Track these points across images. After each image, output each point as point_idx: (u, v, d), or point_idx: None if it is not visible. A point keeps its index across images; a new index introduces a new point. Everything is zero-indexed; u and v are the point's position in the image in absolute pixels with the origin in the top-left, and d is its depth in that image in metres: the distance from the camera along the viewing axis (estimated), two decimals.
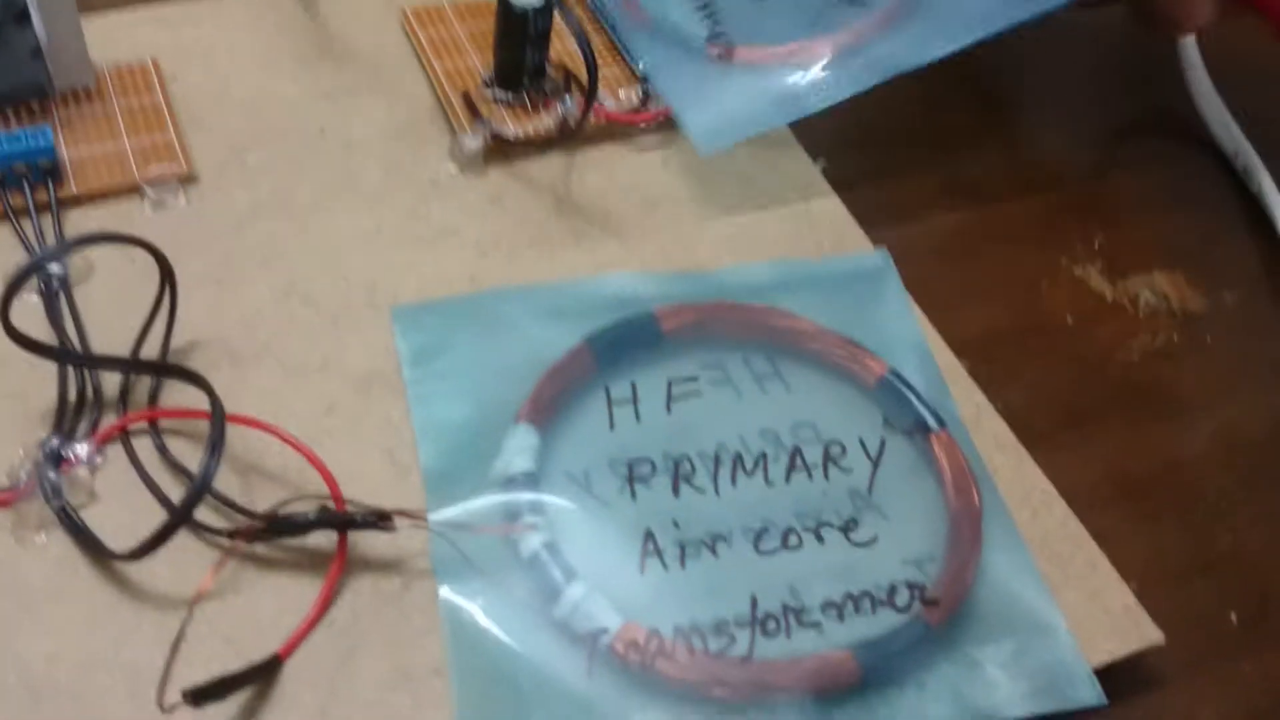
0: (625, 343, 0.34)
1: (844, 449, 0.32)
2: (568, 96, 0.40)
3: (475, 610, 0.28)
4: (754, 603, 0.29)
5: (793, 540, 0.30)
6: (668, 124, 0.41)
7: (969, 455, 0.32)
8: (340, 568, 0.29)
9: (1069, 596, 0.31)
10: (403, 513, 0.29)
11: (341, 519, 0.29)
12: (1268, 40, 0.43)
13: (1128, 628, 0.30)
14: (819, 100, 0.39)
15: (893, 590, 0.30)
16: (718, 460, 0.32)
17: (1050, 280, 0.40)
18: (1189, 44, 0.48)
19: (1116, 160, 0.46)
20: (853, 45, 0.40)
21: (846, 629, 0.29)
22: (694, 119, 0.39)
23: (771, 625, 0.29)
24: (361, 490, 0.30)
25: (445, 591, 0.29)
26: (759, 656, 0.28)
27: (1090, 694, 0.29)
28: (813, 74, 0.39)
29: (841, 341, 0.34)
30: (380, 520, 0.29)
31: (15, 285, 0.29)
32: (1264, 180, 0.44)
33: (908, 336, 0.35)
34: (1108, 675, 0.30)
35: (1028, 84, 0.48)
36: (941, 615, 0.29)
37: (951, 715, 0.28)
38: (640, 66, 0.40)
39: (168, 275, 0.31)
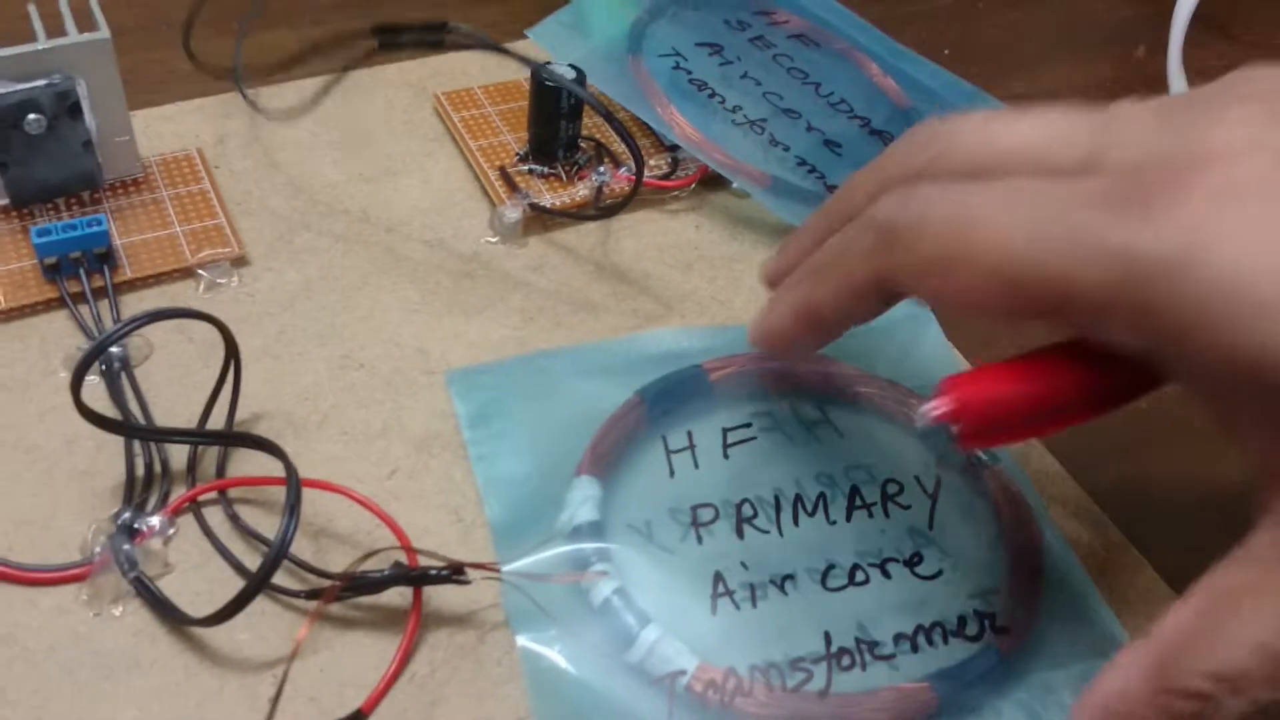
0: (676, 394, 0.34)
1: (901, 487, 0.33)
2: (601, 167, 0.41)
3: (554, 657, 0.29)
4: (827, 638, 0.29)
5: (860, 576, 0.31)
6: (698, 189, 0.42)
7: (1023, 488, 0.33)
8: (416, 622, 0.29)
9: (1131, 619, 0.31)
10: (476, 565, 0.30)
11: (417, 574, 0.30)
12: None
13: None
14: None
15: (963, 621, 0.30)
16: (778, 503, 0.32)
17: None
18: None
19: None
20: None
21: (920, 661, 0.29)
22: None
23: (846, 660, 0.29)
24: (429, 547, 0.31)
25: (523, 640, 0.29)
26: (836, 691, 0.28)
27: None
28: None
29: (887, 385, 0.35)
30: (454, 573, 0.29)
31: (88, 361, 0.29)
32: None
33: None
34: None
35: None
36: (1013, 643, 0.30)
37: None
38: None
39: (232, 348, 0.32)
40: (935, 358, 0.37)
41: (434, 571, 0.29)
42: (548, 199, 0.41)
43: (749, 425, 0.34)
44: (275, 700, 0.26)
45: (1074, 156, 0.25)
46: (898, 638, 0.30)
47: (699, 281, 0.40)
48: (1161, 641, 0.24)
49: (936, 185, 0.26)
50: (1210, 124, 0.23)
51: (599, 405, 0.34)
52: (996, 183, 0.25)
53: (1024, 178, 0.25)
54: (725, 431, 0.34)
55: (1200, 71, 0.49)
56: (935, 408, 0.25)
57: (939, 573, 0.31)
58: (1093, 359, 0.26)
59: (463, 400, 0.34)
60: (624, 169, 0.42)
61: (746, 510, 0.32)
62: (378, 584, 0.29)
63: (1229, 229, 0.21)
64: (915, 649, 0.30)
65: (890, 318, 0.38)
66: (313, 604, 0.30)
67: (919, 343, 0.37)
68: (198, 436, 0.32)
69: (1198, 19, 0.49)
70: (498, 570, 0.30)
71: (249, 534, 0.31)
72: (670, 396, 0.34)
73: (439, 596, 0.30)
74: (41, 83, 0.36)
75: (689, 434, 0.34)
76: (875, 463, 0.34)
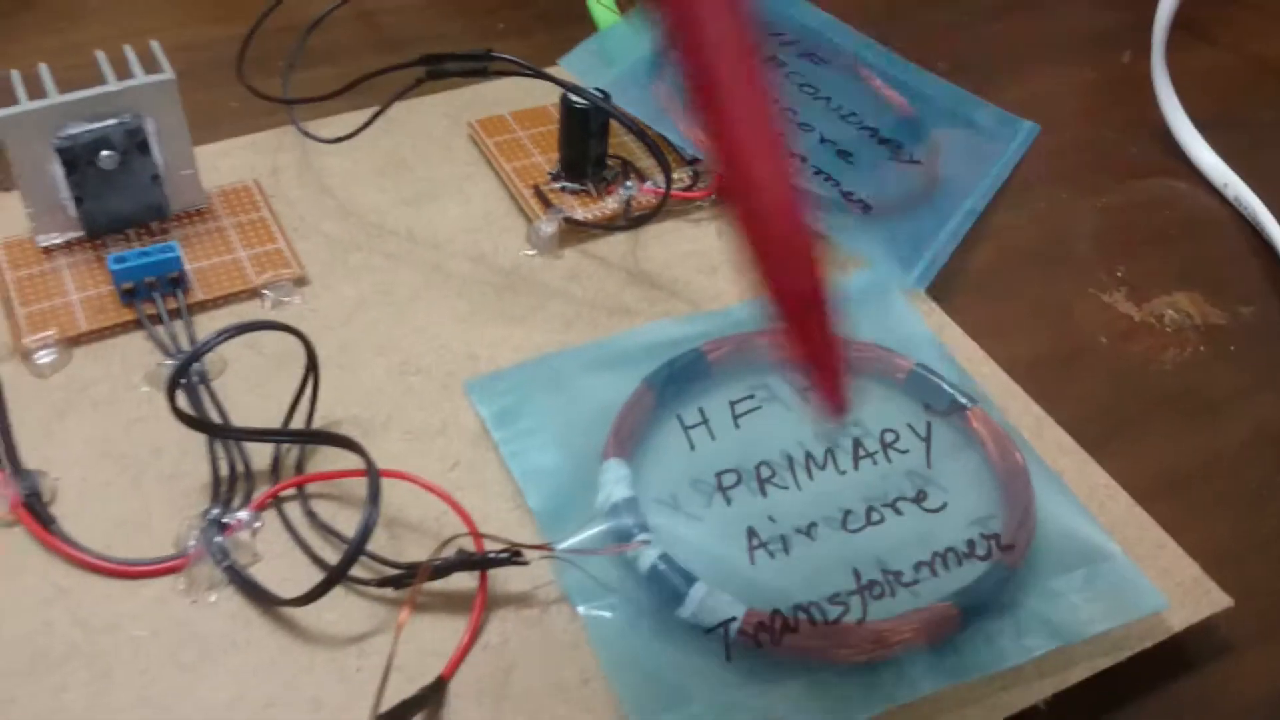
0: (681, 377, 0.37)
1: (897, 435, 0.36)
2: (629, 181, 0.44)
3: (615, 620, 0.31)
4: (856, 574, 0.33)
5: (875, 517, 0.34)
6: (719, 198, 0.45)
7: (1003, 424, 0.37)
8: (484, 599, 0.32)
9: (1106, 520, 0.35)
10: (533, 546, 0.32)
11: (482, 559, 0.32)
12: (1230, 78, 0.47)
13: (1199, 596, 0.33)
14: (944, 239, 0.45)
15: (971, 544, 0.33)
16: (791, 461, 0.35)
17: (1081, 307, 0.44)
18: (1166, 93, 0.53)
19: (1123, 200, 0.50)
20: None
21: (940, 584, 0.33)
22: (890, 267, 0.43)
23: (877, 590, 0.32)
24: (493, 531, 0.33)
25: (584, 609, 0.32)
26: (871, 619, 0.32)
27: (1156, 602, 0.32)
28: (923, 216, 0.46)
29: (867, 346, 0.38)
30: (515, 555, 0.32)
31: (182, 369, 0.32)
32: (1256, 206, 0.48)
33: (921, 335, 0.40)
34: (1183, 643, 0.33)
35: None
36: (1018, 558, 0.33)
37: (1043, 640, 0.31)
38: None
39: (312, 356, 0.35)
40: (904, 318, 0.41)
41: (495, 555, 0.32)
42: (579, 213, 0.44)
43: (752, 397, 0.37)
44: (386, 671, 0.29)
45: None
46: (918, 565, 0.33)
47: (723, 284, 0.43)
48: None
49: None
50: None
51: (611, 395, 0.37)
52: None
53: None
54: (733, 404, 0.37)
55: (1184, 74, 0.52)
56: None
57: (944, 505, 0.35)
58: None
59: (484, 404, 0.37)
60: (649, 183, 0.45)
61: (765, 471, 0.35)
62: (450, 569, 0.32)
63: None
64: (934, 574, 0.33)
65: (859, 288, 0.42)
66: (389, 590, 0.32)
67: (888, 307, 0.41)
68: (284, 436, 0.35)
69: (1178, 25, 0.52)
70: (552, 550, 0.32)
71: (326, 528, 0.33)
72: (676, 380, 0.37)
73: (502, 575, 0.33)
74: (113, 122, 0.39)
75: (700, 410, 0.37)
76: (869, 417, 0.37)
